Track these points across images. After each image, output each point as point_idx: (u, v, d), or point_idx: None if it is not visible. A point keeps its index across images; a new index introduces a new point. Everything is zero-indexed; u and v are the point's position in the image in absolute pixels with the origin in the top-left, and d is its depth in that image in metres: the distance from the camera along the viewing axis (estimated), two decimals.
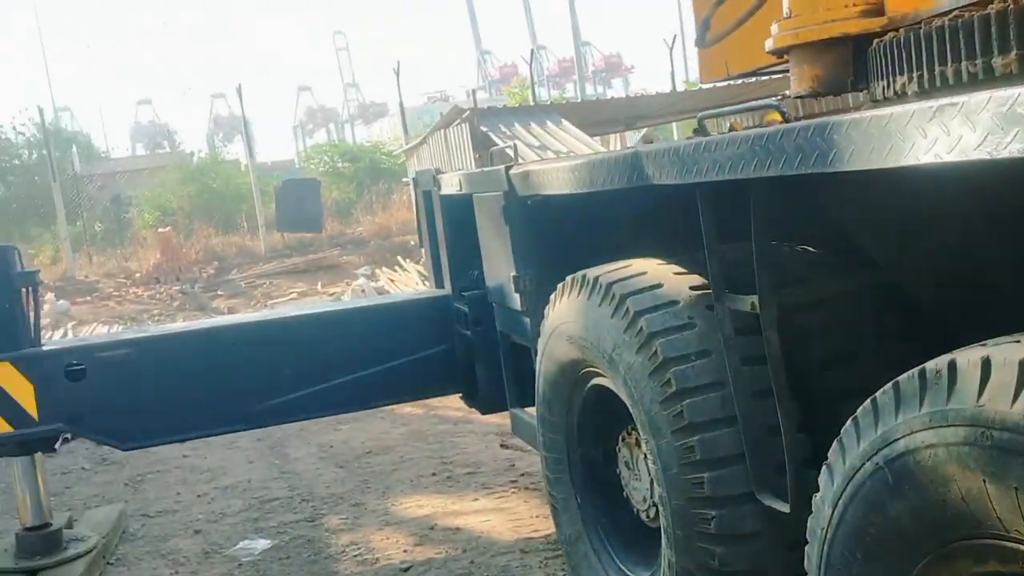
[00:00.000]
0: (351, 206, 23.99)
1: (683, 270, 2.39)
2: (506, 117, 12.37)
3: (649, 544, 2.70)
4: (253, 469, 5.88)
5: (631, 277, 2.40)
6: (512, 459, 5.46)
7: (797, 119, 1.81)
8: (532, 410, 3.92)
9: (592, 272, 2.55)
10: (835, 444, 1.63)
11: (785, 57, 2.37)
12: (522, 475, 5.14)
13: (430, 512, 4.69)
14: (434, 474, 5.36)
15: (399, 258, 17.35)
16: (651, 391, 2.21)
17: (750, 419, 2.07)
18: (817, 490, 1.71)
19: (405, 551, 4.20)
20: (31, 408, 3.98)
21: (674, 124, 17.88)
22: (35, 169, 25.35)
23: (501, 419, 5.58)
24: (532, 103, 16.78)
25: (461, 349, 4.43)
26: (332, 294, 15.89)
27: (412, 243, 18.90)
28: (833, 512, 1.61)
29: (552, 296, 2.82)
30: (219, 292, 17.19)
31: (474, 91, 14.43)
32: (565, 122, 11.88)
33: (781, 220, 2.04)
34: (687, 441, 2.14)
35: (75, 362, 4.04)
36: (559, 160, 3.35)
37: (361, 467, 5.68)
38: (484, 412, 4.64)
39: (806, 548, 1.76)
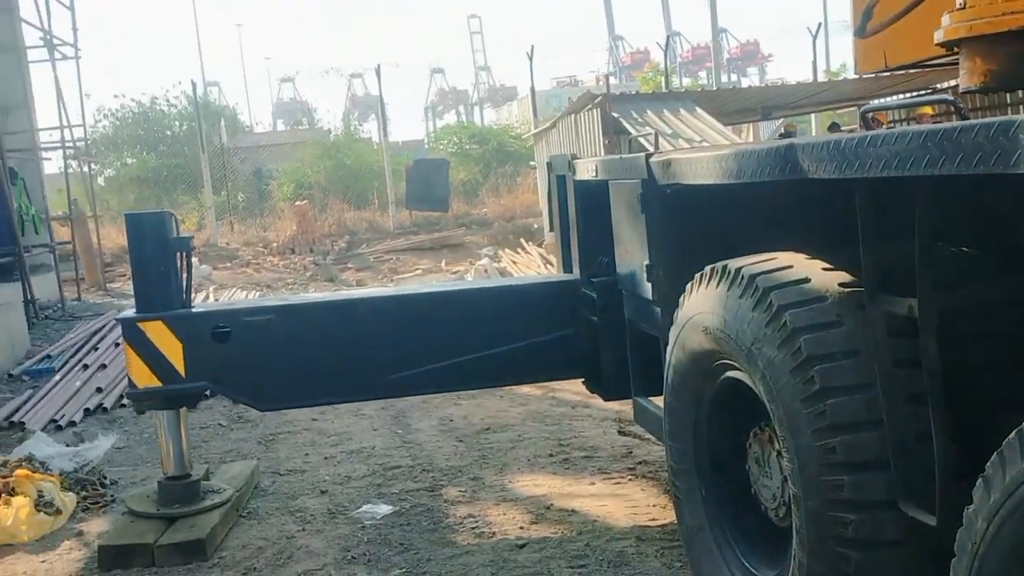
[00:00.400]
0: (477, 187, 24.29)
1: (830, 266, 2.32)
2: (638, 103, 12.23)
3: (775, 542, 2.65)
4: (377, 436, 6.06)
5: (777, 270, 2.34)
6: (630, 446, 5.44)
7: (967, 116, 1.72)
8: (657, 399, 3.90)
9: (734, 263, 2.49)
10: (994, 456, 1.55)
11: (954, 50, 2.25)
12: (640, 463, 5.11)
13: (546, 492, 4.72)
14: (551, 455, 5.39)
15: (522, 240, 17.47)
16: (792, 388, 2.16)
17: (898, 424, 2.00)
18: (969, 502, 1.63)
19: (521, 528, 4.25)
20: (179, 365, 4.21)
21: (813, 115, 17.25)
22: (185, 140, 26.76)
23: (619, 405, 5.57)
24: (665, 90, 16.53)
25: (586, 335, 4.44)
26: (455, 272, 16.15)
27: (535, 226, 18.99)
28: (988, 527, 1.54)
29: (688, 285, 2.78)
30: (349, 265, 17.74)
31: (607, 76, 14.32)
32: (699, 110, 11.64)
33: (944, 219, 1.95)
34: (828, 442, 2.08)
35: (222, 324, 4.25)
36: (703, 150, 3.30)
37: (479, 443, 5.76)
38: (607, 399, 4.64)
39: (952, 562, 1.69)
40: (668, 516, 4.24)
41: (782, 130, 14.84)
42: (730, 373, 2.60)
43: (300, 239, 18.96)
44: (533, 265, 14.58)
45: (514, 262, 15.36)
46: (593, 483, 4.83)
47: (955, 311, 1.99)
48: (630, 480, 4.83)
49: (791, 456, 2.21)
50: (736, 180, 2.45)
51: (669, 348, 2.94)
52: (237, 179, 24.46)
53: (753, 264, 2.43)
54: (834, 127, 15.70)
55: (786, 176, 2.17)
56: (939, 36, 2.21)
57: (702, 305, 2.63)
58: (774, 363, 2.22)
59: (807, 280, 2.26)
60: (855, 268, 2.20)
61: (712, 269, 2.61)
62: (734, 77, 55.32)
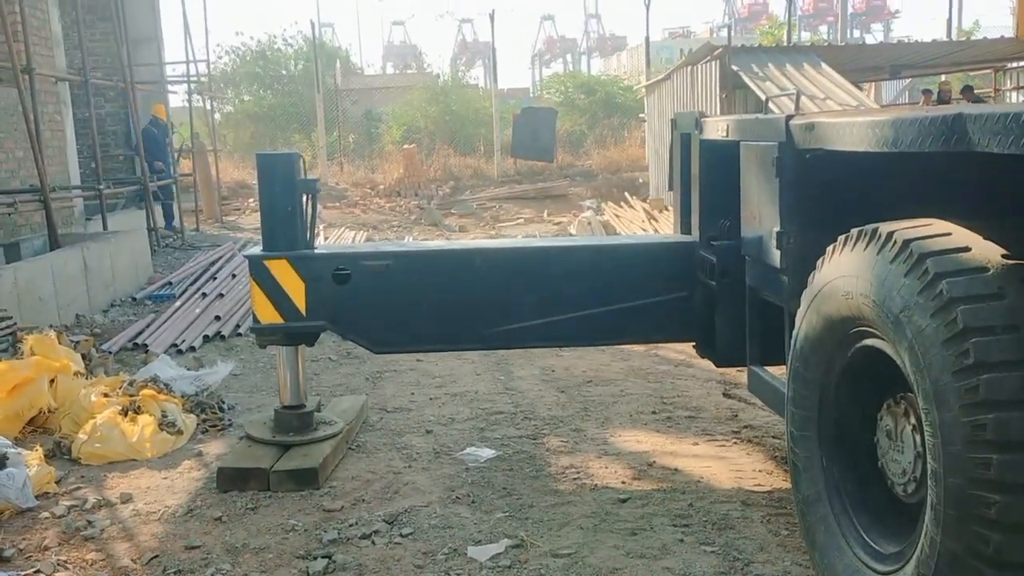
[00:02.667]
0: (582, 138, 24.03)
1: (993, 237, 2.18)
2: (760, 56, 11.77)
3: (898, 518, 2.57)
4: (480, 381, 6.14)
5: (934, 236, 2.21)
6: (735, 409, 5.36)
7: None
8: (773, 369, 3.80)
9: (886, 226, 2.37)
10: None
11: None
12: (745, 427, 5.04)
13: (648, 449, 4.69)
14: (653, 412, 5.36)
15: (626, 194, 17.26)
16: (942, 360, 2.06)
17: None
18: None
19: (623, 482, 4.24)
20: (300, 304, 4.31)
21: (943, 76, 16.32)
22: (299, 79, 27.23)
23: (724, 369, 5.46)
24: (787, 44, 15.87)
25: (701, 298, 4.34)
26: (558, 223, 16.09)
27: (640, 180, 18.72)
28: None
29: (830, 248, 2.67)
30: (452, 211, 17.89)
31: (728, 27, 13.83)
32: (824, 66, 11.13)
33: None
34: (979, 418, 1.98)
35: (342, 267, 4.31)
36: (854, 114, 3.14)
37: (581, 395, 5.77)
38: (719, 365, 4.54)
39: None
40: (774, 482, 4.17)
41: (919, 91, 14.07)
42: (868, 341, 2.50)
43: (406, 182, 19.20)
44: (637, 220, 14.38)
45: (617, 216, 15.18)
46: (696, 443, 4.78)
47: None
48: (735, 444, 4.76)
49: (934, 431, 2.12)
50: (892, 149, 2.32)
51: (800, 312, 2.85)
52: (348, 120, 24.80)
53: (908, 228, 2.30)
54: (968, 91, 14.86)
55: (951, 148, 2.04)
56: None
57: (845, 269, 2.53)
58: (924, 333, 2.12)
59: (967, 249, 2.14)
60: (1017, 242, 2.07)
61: (860, 232, 2.49)
62: (856, 33, 52.88)
